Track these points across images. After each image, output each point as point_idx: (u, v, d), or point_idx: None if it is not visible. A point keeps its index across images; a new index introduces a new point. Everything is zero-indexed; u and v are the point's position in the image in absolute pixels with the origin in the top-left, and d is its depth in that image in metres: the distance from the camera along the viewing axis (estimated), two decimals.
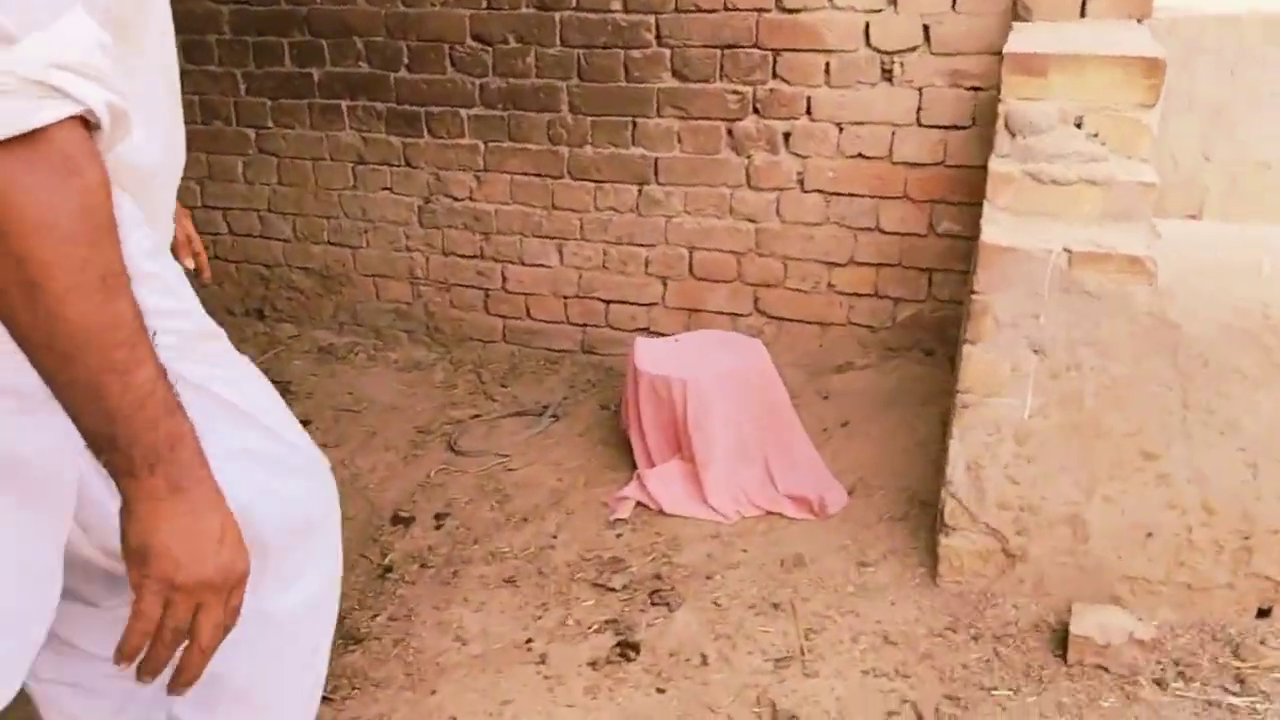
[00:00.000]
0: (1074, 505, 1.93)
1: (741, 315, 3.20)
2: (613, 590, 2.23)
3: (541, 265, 3.34)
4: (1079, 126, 1.95)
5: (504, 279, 3.42)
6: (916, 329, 3.02)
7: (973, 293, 1.88)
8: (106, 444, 0.79)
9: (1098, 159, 1.91)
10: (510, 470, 2.84)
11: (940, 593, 2.07)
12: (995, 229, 1.89)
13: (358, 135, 3.39)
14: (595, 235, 3.26)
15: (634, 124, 3.10)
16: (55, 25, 0.71)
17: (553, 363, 3.42)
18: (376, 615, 2.26)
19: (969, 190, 2.82)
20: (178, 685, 0.90)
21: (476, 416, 3.16)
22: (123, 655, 0.85)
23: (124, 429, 0.78)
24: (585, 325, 3.39)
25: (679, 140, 3.07)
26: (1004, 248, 1.83)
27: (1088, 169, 1.89)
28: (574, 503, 2.62)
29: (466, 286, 3.49)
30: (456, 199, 3.39)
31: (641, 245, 3.23)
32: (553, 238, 3.29)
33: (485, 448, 2.96)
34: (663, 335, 3.22)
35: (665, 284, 3.25)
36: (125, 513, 0.83)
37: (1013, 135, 1.97)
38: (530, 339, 3.48)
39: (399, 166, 3.41)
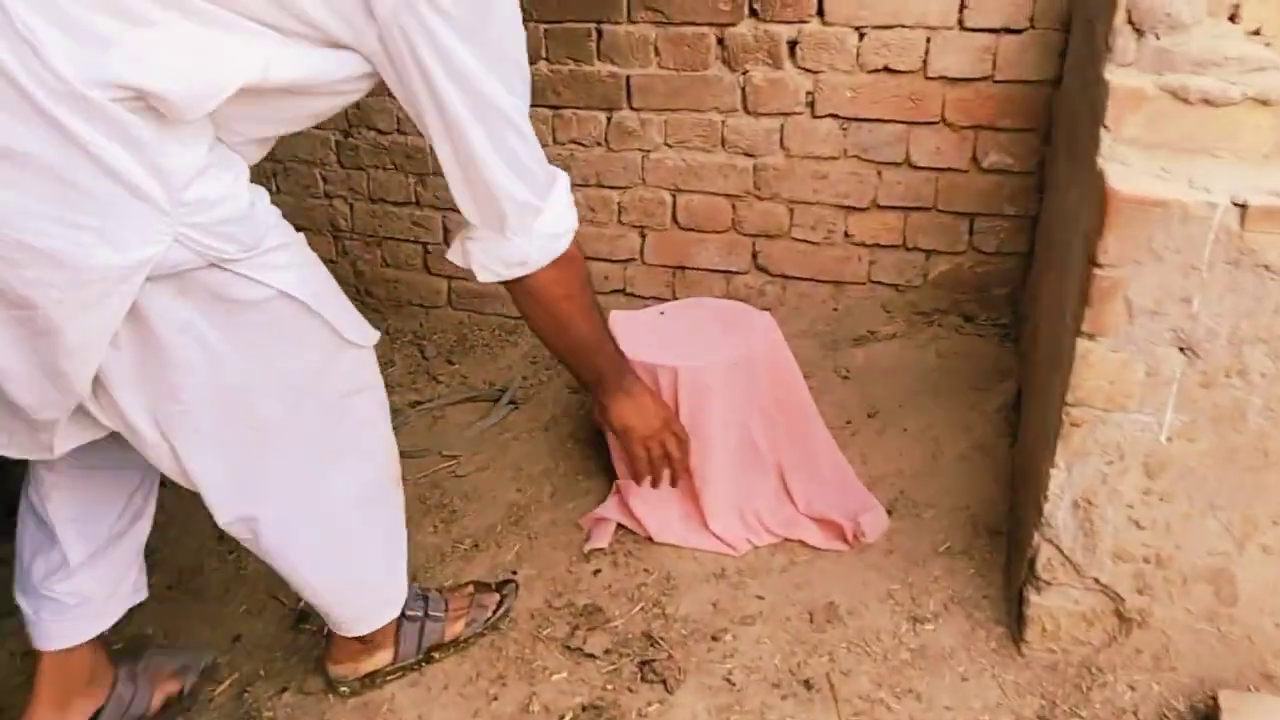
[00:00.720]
0: (1220, 557, 1.41)
1: (737, 273, 2.61)
2: (591, 657, 1.69)
3: None
4: (1234, 21, 1.37)
5: (445, 230, 2.81)
6: (953, 288, 2.46)
7: (1094, 265, 1.31)
8: (596, 382, 1.64)
9: (1265, 67, 1.33)
10: (458, 476, 2.27)
11: (1027, 664, 1.55)
12: (1125, 172, 1.32)
13: None
14: None
15: (598, 32, 2.47)
16: (554, 188, 1.38)
17: (509, 333, 2.83)
18: (283, 691, 1.72)
19: (1024, 113, 2.23)
20: (675, 480, 1.82)
21: (417, 404, 2.58)
22: (639, 479, 1.83)
23: (606, 374, 1.63)
24: None
25: (656, 53, 2.44)
26: (1148, 200, 1.26)
27: (1254, 82, 1.32)
28: (538, 523, 2.07)
29: (401, 240, 2.87)
30: (382, 132, 2.75)
31: (613, 187, 2.62)
32: None
33: (427, 445, 2.39)
34: (642, 302, 2.63)
35: (643, 235, 2.65)
36: (607, 408, 1.69)
37: (1139, 33, 1.38)
38: (481, 304, 2.88)
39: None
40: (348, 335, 1.38)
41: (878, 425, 2.16)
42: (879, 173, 2.40)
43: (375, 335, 1.45)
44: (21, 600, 1.50)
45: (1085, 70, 1.67)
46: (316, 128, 2.73)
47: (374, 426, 1.48)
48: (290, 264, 1.28)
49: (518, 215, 1.31)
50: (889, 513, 1.91)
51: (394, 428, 1.55)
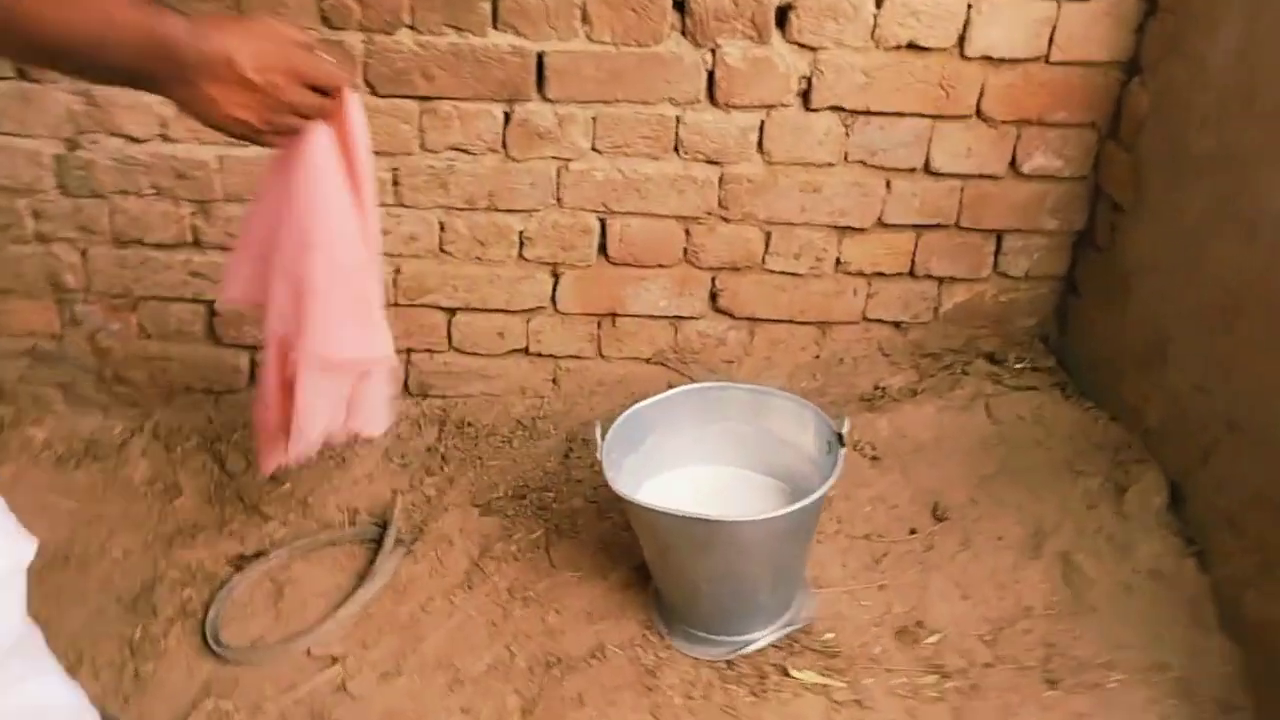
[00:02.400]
0: None
1: (688, 318, 1.93)
2: None
3: None
4: None
5: None
6: (968, 322, 1.94)
7: None
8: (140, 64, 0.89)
9: None
10: (352, 698, 1.43)
11: None
12: None
13: None
14: (426, 195, 1.80)
15: None
16: None
17: None
18: None
19: (1084, 103, 1.74)
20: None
21: (241, 560, 1.66)
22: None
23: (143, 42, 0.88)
24: (411, 351, 1.94)
25: (584, 19, 1.67)
26: None
27: None
28: None
29: (170, 299, 1.88)
30: (136, 140, 1.74)
31: (513, 211, 1.83)
32: None
33: (281, 635, 1.52)
34: (554, 362, 1.89)
35: (556, 275, 1.88)
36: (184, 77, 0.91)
37: None
38: None
39: (10, 79, 1.69)
40: None
41: (957, 535, 1.59)
42: (888, 183, 1.81)
43: None
44: None
45: None
46: (20, 135, 1.69)
47: None
48: None
49: None
50: (1053, 684, 1.35)
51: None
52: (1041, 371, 1.87)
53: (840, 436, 1.36)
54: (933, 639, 1.45)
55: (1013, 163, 1.79)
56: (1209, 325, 1.45)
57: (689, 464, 1.54)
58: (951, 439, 1.76)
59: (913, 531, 1.62)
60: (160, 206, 1.79)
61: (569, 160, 1.78)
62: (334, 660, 1.48)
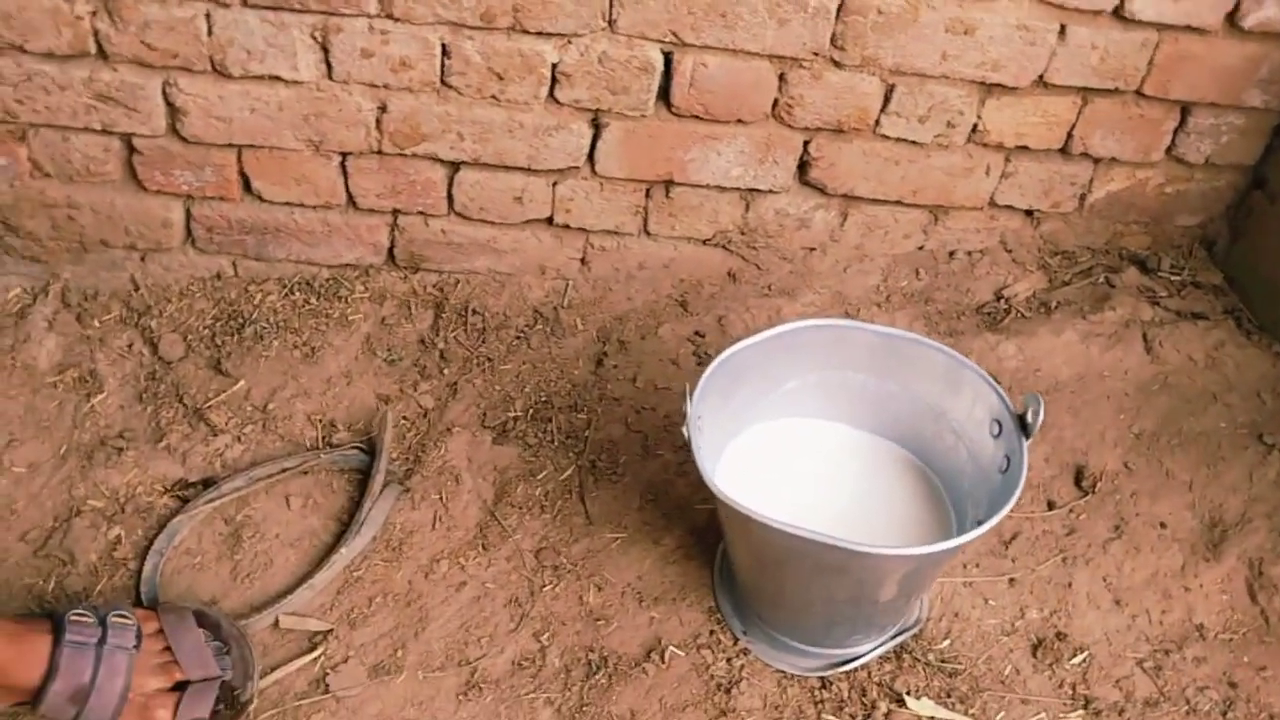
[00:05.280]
0: None
1: (768, 192, 1.48)
2: None
3: (277, 78, 1.34)
4: None
5: (170, 106, 1.36)
6: (1118, 217, 1.53)
7: None
8: None
9: None
10: (335, 701, 1.10)
11: None
12: None
13: None
14: (425, 4, 1.29)
15: None
16: None
17: (340, 297, 1.52)
18: None
19: None
20: None
21: (186, 492, 1.28)
22: None
23: None
24: (398, 213, 1.48)
25: None
26: None
27: None
28: None
29: (70, 130, 1.38)
30: None
31: (545, 35, 1.32)
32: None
33: (241, 605, 1.17)
34: (581, 235, 1.47)
35: (598, 127, 1.41)
36: None
37: None
38: (271, 240, 1.51)
39: None
40: None
41: (1108, 516, 1.25)
42: (1063, 28, 1.33)
43: None
44: None
45: None
46: None
47: None
48: None
49: None
50: None
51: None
52: (1206, 290, 1.48)
53: (1024, 422, 0.98)
54: (1078, 660, 1.14)
55: (1234, 11, 1.31)
56: None
57: (796, 416, 1.16)
58: (1100, 379, 1.38)
59: (1051, 506, 1.27)
60: (45, 1, 1.25)
61: None
62: (313, 641, 1.14)
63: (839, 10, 1.30)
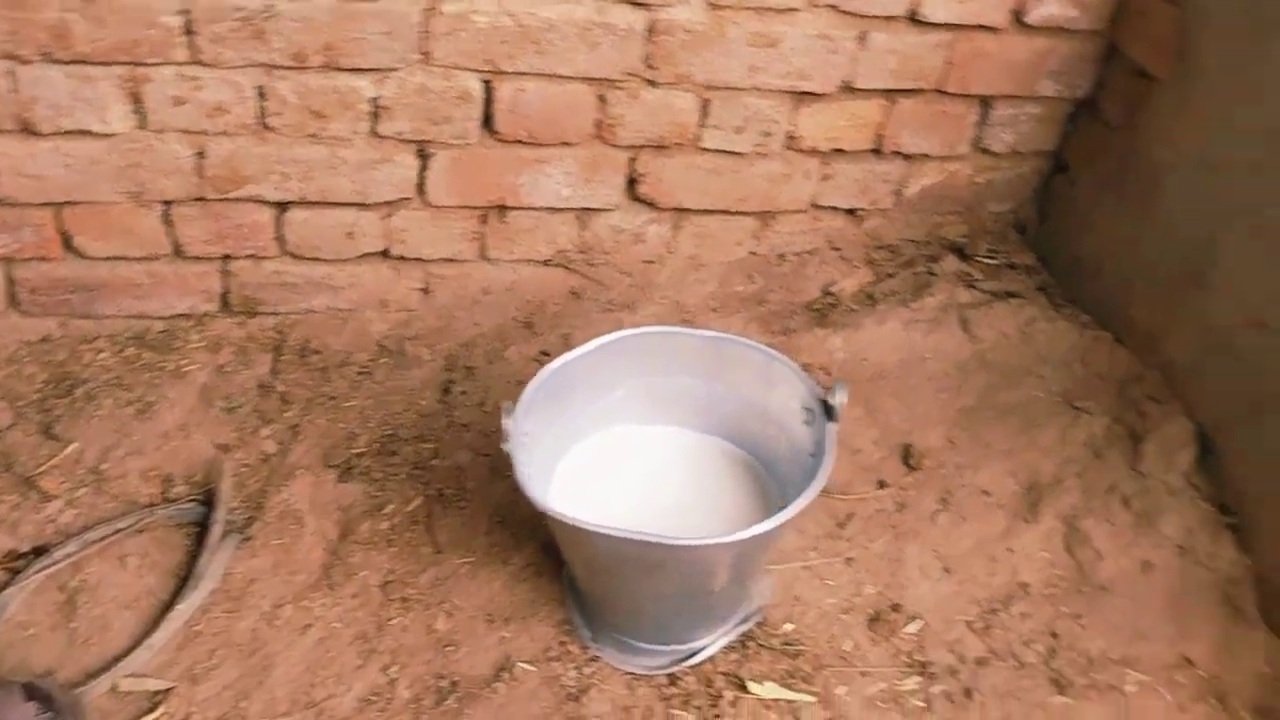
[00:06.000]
0: None
1: (600, 210, 1.51)
2: None
3: (87, 132, 1.32)
4: None
5: None
6: (935, 208, 1.61)
7: None
8: None
9: None
10: None
11: None
12: None
13: None
14: (236, 49, 1.29)
15: None
16: None
17: (169, 349, 1.49)
18: None
19: None
20: None
21: (18, 562, 1.24)
22: None
23: None
24: (228, 258, 1.47)
25: None
26: None
27: None
28: None
29: None
30: None
31: (360, 70, 1.33)
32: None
33: (77, 668, 1.13)
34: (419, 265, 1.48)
35: (424, 157, 1.42)
36: None
37: None
38: (98, 296, 1.47)
39: None
40: None
41: (935, 490, 1.31)
42: (862, 35, 1.40)
43: None
44: None
45: None
46: None
47: None
48: None
49: None
50: (1060, 688, 1.11)
51: None
52: (1020, 270, 1.57)
53: (828, 406, 1.02)
54: (913, 628, 1.19)
55: (1018, 9, 1.41)
56: None
57: (626, 422, 1.18)
58: (922, 363, 1.45)
59: (881, 485, 1.32)
60: None
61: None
62: (154, 701, 1.11)
63: (648, 31, 1.35)
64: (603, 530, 0.90)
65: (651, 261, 1.57)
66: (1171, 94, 1.33)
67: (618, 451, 1.17)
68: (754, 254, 1.61)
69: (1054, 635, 1.17)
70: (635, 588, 1.03)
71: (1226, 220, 1.23)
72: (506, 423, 0.99)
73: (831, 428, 1.01)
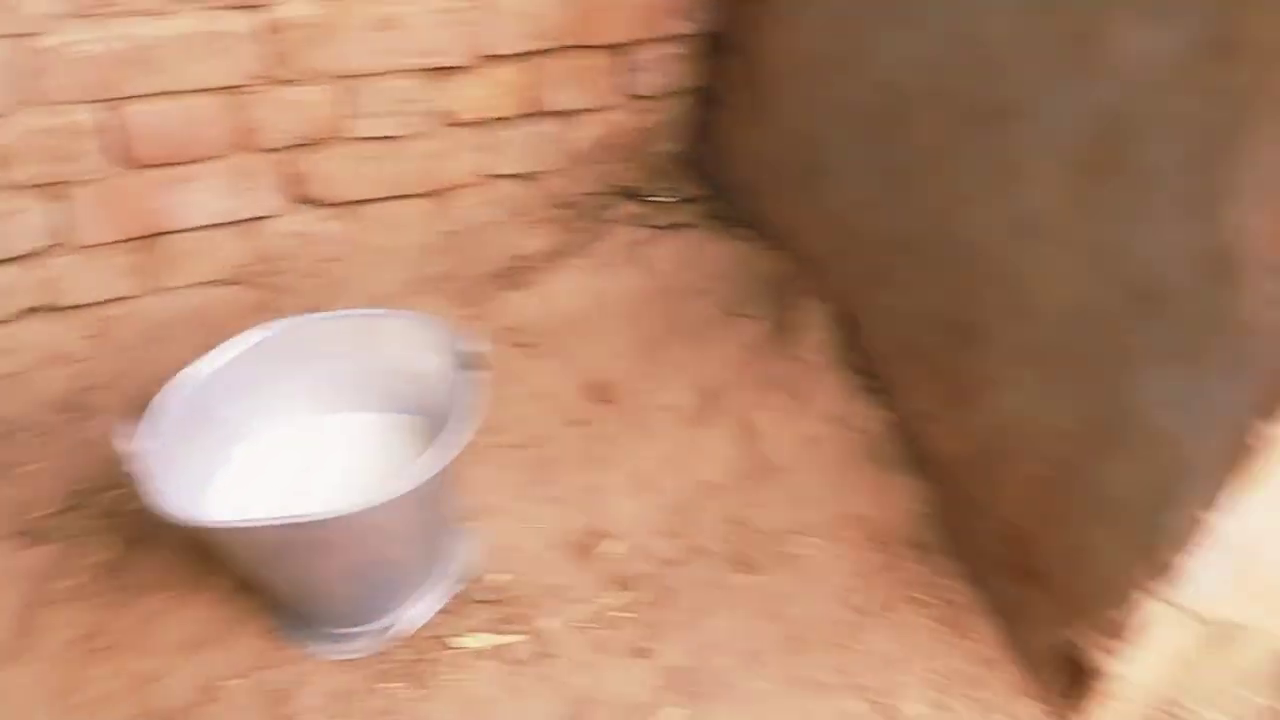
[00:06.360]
0: None
1: (264, 218, 1.49)
2: None
3: None
4: None
5: None
6: (609, 159, 1.66)
7: None
8: None
9: None
10: None
11: None
12: None
13: None
14: None
15: None
16: None
17: None
18: None
19: None
20: None
21: None
22: None
23: None
24: None
25: None
26: None
27: None
28: None
29: None
30: None
31: None
32: None
33: None
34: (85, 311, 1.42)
35: (61, 200, 1.36)
36: None
37: None
38: None
39: None
40: None
41: (628, 417, 1.36)
42: (488, 2, 1.43)
43: None
44: None
45: None
46: None
47: None
48: None
49: None
50: (746, 568, 1.17)
51: None
52: (690, 203, 1.64)
53: (468, 356, 1.04)
54: (616, 547, 1.23)
55: None
56: (875, 131, 1.24)
57: (290, 415, 1.17)
58: (610, 304, 1.50)
59: (580, 424, 1.36)
60: None
61: (30, 34, 1.23)
62: None
63: (268, 32, 1.33)
64: (240, 525, 0.89)
65: (337, 259, 1.56)
66: (778, 7, 1.42)
67: (282, 448, 1.16)
68: (443, 233, 1.62)
69: (737, 522, 1.23)
70: (316, 574, 1.02)
71: (832, 114, 1.33)
72: (120, 445, 0.96)
73: (469, 375, 1.03)
